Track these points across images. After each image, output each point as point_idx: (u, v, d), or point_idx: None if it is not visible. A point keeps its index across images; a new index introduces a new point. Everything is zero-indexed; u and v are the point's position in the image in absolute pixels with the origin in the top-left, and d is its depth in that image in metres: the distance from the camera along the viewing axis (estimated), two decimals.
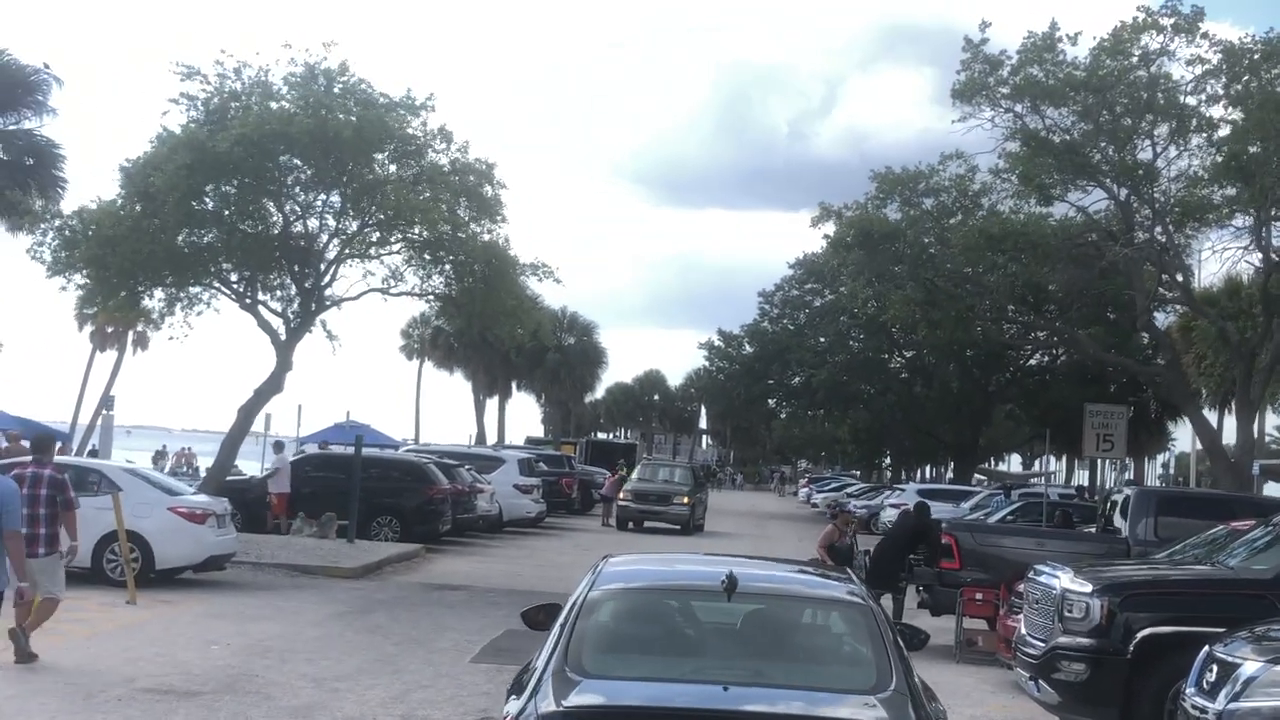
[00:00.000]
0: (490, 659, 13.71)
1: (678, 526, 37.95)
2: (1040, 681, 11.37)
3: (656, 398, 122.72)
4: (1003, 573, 15.84)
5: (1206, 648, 9.13)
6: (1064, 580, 11.48)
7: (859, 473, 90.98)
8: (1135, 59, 28.11)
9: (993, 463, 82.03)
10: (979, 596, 16.19)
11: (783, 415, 70.97)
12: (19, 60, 34.51)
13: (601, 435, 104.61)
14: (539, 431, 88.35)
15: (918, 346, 52.44)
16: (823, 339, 57.55)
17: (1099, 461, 59.00)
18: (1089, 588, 11.16)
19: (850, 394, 58.78)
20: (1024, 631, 12.19)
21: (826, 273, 53.26)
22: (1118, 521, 17.98)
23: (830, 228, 40.17)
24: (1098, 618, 10.96)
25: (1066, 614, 11.21)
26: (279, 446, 27.99)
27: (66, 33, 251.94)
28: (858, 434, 72.81)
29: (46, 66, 35.13)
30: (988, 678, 14.73)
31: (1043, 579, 11.98)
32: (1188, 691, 9.13)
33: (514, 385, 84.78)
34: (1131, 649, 10.77)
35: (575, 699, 5.73)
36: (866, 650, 6.33)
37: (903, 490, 46.53)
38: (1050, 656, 11.24)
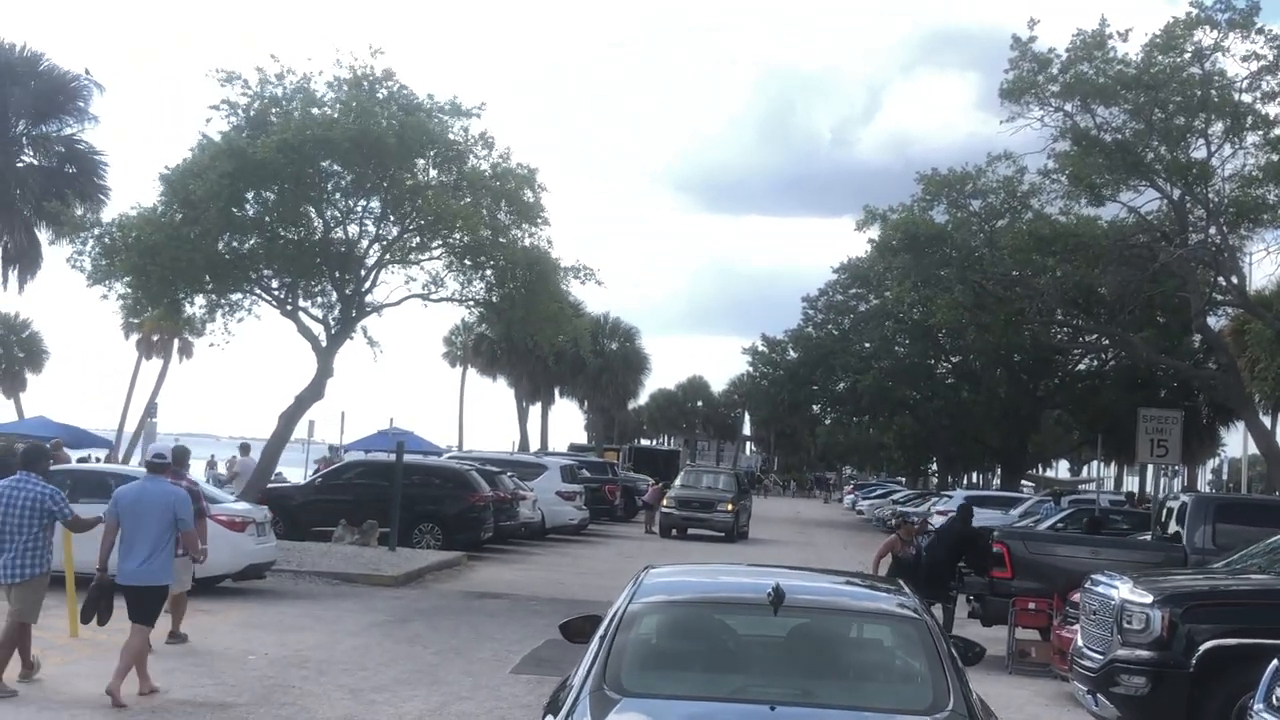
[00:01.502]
0: (531, 670, 13.48)
1: (722, 534, 37.67)
2: (1099, 695, 11.02)
3: (700, 404, 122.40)
4: (1056, 582, 15.50)
5: (1276, 661, 8.75)
6: (1123, 590, 11.11)
7: (904, 479, 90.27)
8: (1188, 55, 27.52)
9: (1040, 469, 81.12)
10: (1032, 606, 15.84)
11: (827, 421, 70.47)
12: (59, 66, 34.75)
13: (645, 442, 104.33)
14: (582, 438, 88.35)
15: (964, 351, 51.86)
16: (868, 344, 57.08)
17: (1149, 467, 58.22)
18: (1149, 598, 10.79)
19: (896, 400, 58.26)
20: (1081, 643, 11.83)
21: (871, 277, 52.79)
22: (1173, 529, 17.54)
23: (875, 231, 39.72)
24: (1159, 629, 10.60)
25: (1126, 625, 10.85)
26: (245, 449, 27.64)
27: (108, 38, 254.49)
28: (903, 440, 72.21)
29: (87, 73, 35.44)
30: (1042, 690, 14.36)
31: (1100, 589, 11.61)
32: (1256, 708, 8.74)
33: (556, 392, 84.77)
34: (1194, 662, 10.42)
35: (614, 719, 5.44)
36: (922, 667, 6.01)
37: (949, 497, 45.94)
38: (1109, 669, 10.89)
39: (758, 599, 6.19)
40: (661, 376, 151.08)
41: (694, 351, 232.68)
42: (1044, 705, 13.58)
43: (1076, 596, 13.14)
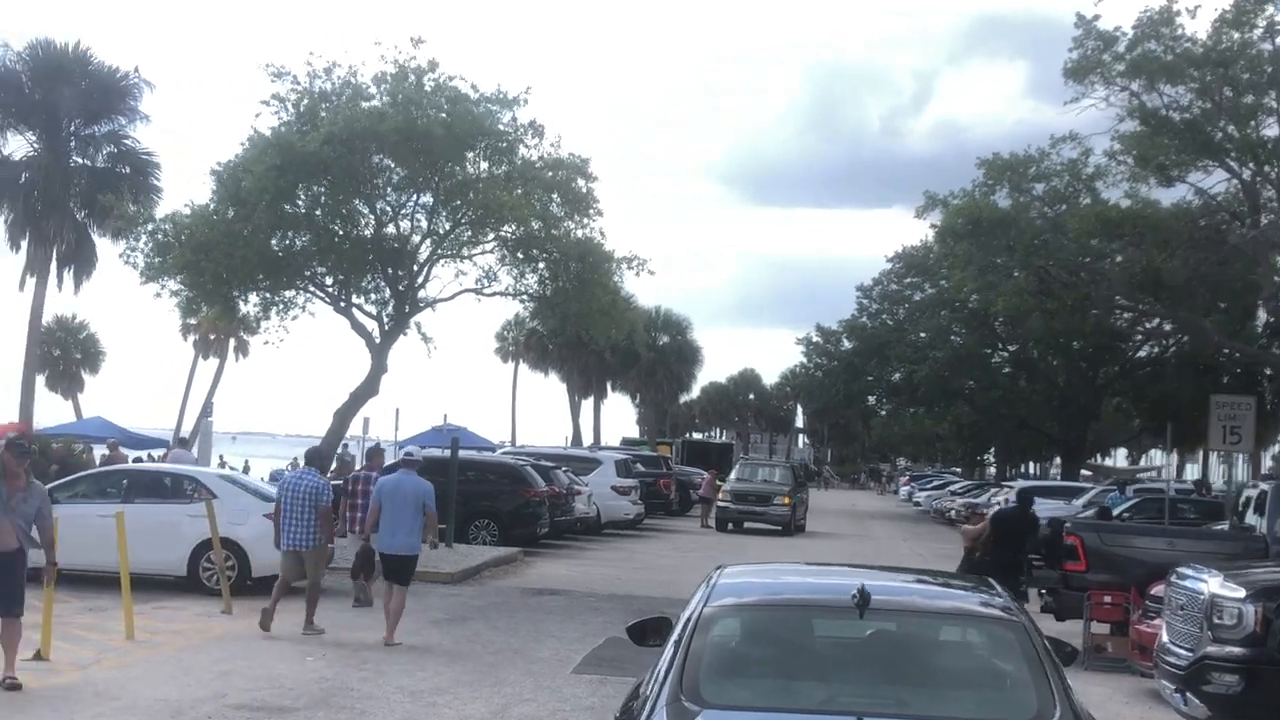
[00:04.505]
0: (593, 669, 13.15)
1: (778, 528, 37.23)
2: (1188, 694, 10.52)
3: (752, 397, 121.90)
4: (1132, 574, 14.98)
5: None
6: (1213, 584, 10.61)
7: (960, 470, 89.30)
8: (1259, 31, 26.78)
9: (1099, 458, 79.94)
10: (1107, 600, 15.31)
11: (882, 412, 69.78)
12: (109, 64, 34.72)
13: (697, 435, 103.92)
14: (634, 432, 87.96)
15: (1022, 340, 51.13)
16: (923, 334, 56.41)
17: (1211, 455, 57.17)
18: (1241, 593, 10.30)
19: (952, 390, 57.51)
20: (1166, 639, 11.31)
21: (929, 265, 52.14)
22: (1251, 518, 16.99)
23: (936, 217, 39.15)
24: (1251, 625, 10.12)
25: (1216, 621, 10.35)
26: (183, 442, 27.30)
27: (156, 35, 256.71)
28: (960, 430, 71.28)
29: (137, 70, 35.30)
30: (1120, 686, 13.86)
31: (1188, 583, 11.10)
32: None
33: (608, 386, 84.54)
34: None
35: None
36: (1022, 672, 5.56)
37: (1009, 487, 45.24)
38: (1199, 667, 10.39)
39: (842, 601, 5.78)
40: (713, 369, 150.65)
41: (744, 344, 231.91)
42: (1124, 703, 13.09)
43: (1156, 590, 12.64)
